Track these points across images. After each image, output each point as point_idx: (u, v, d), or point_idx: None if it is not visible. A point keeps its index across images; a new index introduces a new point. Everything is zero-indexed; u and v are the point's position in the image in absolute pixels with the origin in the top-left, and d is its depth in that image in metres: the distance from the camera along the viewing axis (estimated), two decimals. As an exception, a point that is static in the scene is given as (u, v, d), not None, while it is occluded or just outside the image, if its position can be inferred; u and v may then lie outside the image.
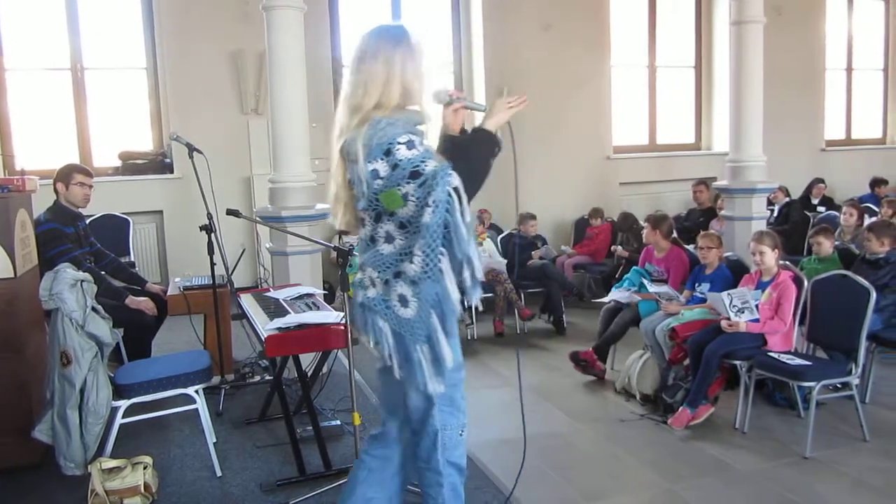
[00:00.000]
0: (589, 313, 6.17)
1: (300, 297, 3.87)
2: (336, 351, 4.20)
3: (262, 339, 3.19)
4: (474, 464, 3.41)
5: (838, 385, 3.96)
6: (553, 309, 6.24)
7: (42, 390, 3.42)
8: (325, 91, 6.77)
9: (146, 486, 3.14)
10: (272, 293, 4.03)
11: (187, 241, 6.27)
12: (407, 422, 2.36)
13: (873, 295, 3.78)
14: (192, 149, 4.53)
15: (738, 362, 4.01)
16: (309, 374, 3.91)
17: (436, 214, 1.99)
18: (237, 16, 6.77)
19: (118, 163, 6.91)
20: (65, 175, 4.40)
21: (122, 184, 6.72)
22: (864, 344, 3.81)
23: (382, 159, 2.05)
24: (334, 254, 2.94)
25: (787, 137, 8.61)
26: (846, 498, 3.24)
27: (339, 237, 6.01)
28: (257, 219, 5.08)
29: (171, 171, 6.92)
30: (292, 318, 3.30)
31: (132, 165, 6.89)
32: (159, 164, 6.99)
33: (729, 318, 4.02)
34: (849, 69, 9.97)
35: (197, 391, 3.44)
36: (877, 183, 8.72)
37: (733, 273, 4.56)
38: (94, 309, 3.29)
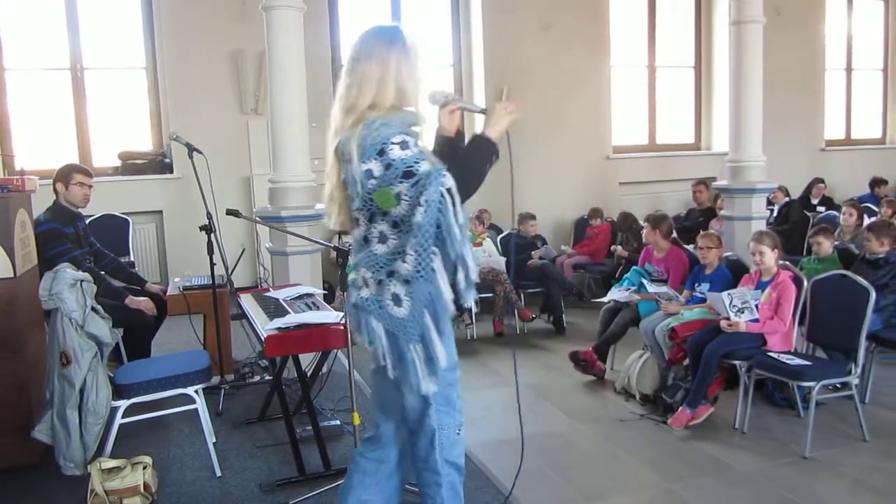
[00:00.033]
0: (589, 313, 6.17)
1: (300, 297, 3.87)
2: (336, 351, 4.20)
3: (262, 339, 3.19)
4: (474, 464, 3.42)
5: (838, 385, 3.96)
6: (553, 309, 6.24)
7: (41, 390, 3.42)
8: (325, 91, 6.77)
9: (146, 486, 3.14)
10: (272, 293, 4.03)
11: (187, 241, 6.27)
12: (403, 422, 2.36)
13: (873, 295, 3.78)
14: (191, 149, 4.53)
15: (737, 362, 4.01)
16: (308, 374, 3.91)
17: (428, 214, 1.99)
18: (237, 16, 6.76)
19: (118, 163, 6.91)
20: (64, 175, 4.40)
21: (121, 184, 6.72)
22: (863, 344, 3.81)
23: (376, 159, 2.05)
24: (334, 254, 2.94)
25: (786, 137, 8.61)
26: (846, 498, 3.24)
27: (339, 237, 6.01)
28: (257, 219, 5.08)
29: (171, 171, 6.92)
30: (292, 318, 3.30)
31: (132, 165, 6.89)
32: (159, 164, 6.99)
33: (728, 318, 4.02)
34: (848, 69, 9.97)
35: (196, 391, 3.44)
36: (876, 183, 8.72)
37: (733, 273, 4.56)
38: (93, 309, 3.29)
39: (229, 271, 4.59)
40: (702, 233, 4.87)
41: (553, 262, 6.82)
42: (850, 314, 3.84)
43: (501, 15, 7.64)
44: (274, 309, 3.63)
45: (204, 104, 6.85)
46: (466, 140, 2.28)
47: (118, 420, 3.30)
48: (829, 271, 4.20)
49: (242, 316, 3.89)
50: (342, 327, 3.12)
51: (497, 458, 3.52)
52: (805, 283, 4.10)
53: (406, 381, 2.17)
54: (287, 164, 4.83)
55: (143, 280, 4.83)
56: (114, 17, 6.90)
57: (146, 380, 3.36)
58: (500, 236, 7.02)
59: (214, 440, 3.66)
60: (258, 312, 3.62)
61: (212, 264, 4.40)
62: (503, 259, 6.36)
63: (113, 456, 3.24)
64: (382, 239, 2.13)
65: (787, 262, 4.38)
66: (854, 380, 3.80)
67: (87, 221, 4.75)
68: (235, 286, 4.76)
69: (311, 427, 3.46)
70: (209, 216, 4.40)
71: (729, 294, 4.10)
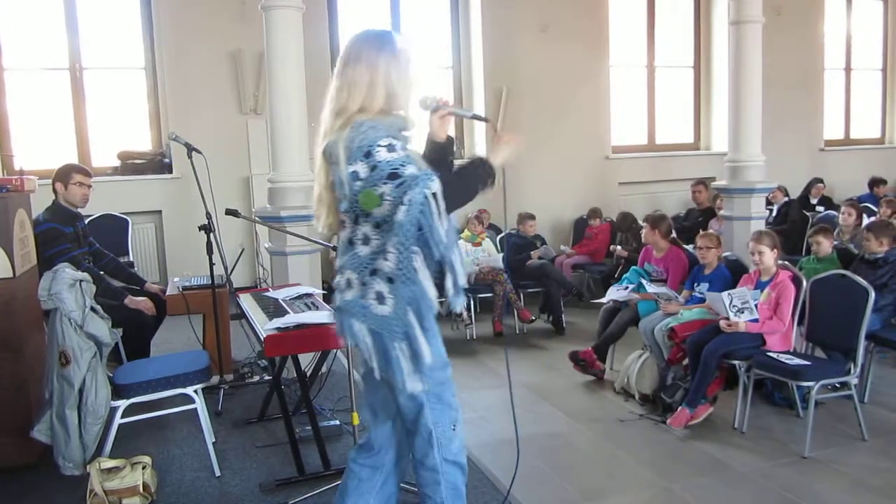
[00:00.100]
0: (588, 313, 6.17)
1: (299, 297, 3.87)
2: (335, 351, 4.20)
3: (262, 338, 3.18)
4: (473, 464, 3.41)
5: (837, 385, 3.97)
6: (552, 309, 6.24)
7: (41, 390, 3.42)
8: (324, 91, 6.76)
9: (145, 486, 3.13)
10: (271, 293, 4.02)
11: (186, 240, 6.27)
12: (399, 423, 2.36)
13: (872, 295, 3.78)
14: (190, 149, 4.52)
15: (736, 362, 4.02)
16: (308, 373, 3.91)
17: (409, 213, 2.00)
18: (236, 16, 6.76)
19: (117, 163, 6.90)
20: (63, 175, 4.39)
21: (120, 184, 6.71)
22: (862, 344, 3.81)
23: (362, 161, 2.06)
24: (333, 254, 2.95)
25: (785, 137, 8.62)
26: (845, 497, 3.24)
27: (339, 237, 6.01)
28: (256, 219, 5.08)
29: (170, 171, 6.91)
30: (291, 318, 3.29)
31: (131, 165, 6.88)
32: (158, 163, 6.98)
33: (728, 318, 4.02)
34: (847, 69, 9.97)
35: (196, 391, 3.43)
36: (875, 183, 8.72)
37: (732, 273, 4.56)
38: (92, 309, 3.29)
39: (229, 271, 4.59)
40: (701, 233, 4.87)
41: (552, 262, 6.83)
42: (850, 314, 3.85)
43: (500, 15, 7.64)
44: (273, 309, 3.63)
45: (203, 104, 6.84)
46: (457, 146, 2.29)
47: (117, 420, 3.30)
48: (828, 271, 4.20)
49: (242, 316, 3.88)
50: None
51: (496, 458, 3.52)
52: (804, 282, 4.10)
53: (393, 380, 2.17)
54: (286, 164, 4.83)
55: (142, 280, 4.83)
56: (113, 17, 6.89)
57: (145, 380, 3.35)
58: (500, 236, 7.02)
59: (214, 440, 3.66)
60: (257, 312, 3.62)
61: (211, 264, 4.40)
62: (500, 255, 6.38)
63: (112, 456, 3.24)
64: (366, 240, 2.14)
65: (786, 262, 4.38)
66: (853, 379, 3.80)
67: (87, 221, 4.75)
68: (235, 286, 4.76)
69: (310, 427, 3.46)
70: (208, 216, 4.40)
71: (729, 294, 4.10)
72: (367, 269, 2.13)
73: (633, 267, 5.19)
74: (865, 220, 5.94)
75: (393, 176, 2.02)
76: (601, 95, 8.29)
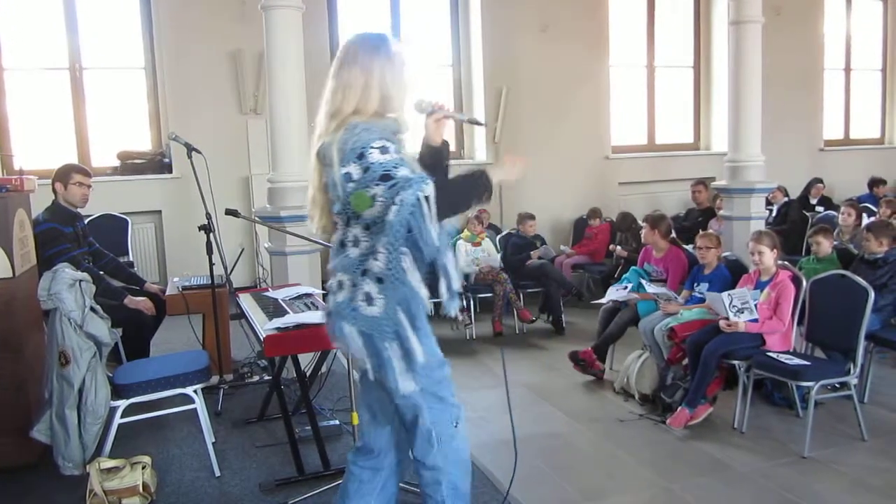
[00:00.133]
0: (588, 313, 6.17)
1: (299, 297, 3.86)
2: (335, 351, 4.20)
3: (261, 338, 3.18)
4: (472, 464, 3.40)
5: (837, 385, 3.97)
6: (552, 309, 6.24)
7: (40, 390, 3.42)
8: (323, 91, 6.76)
9: (145, 485, 3.13)
10: (271, 293, 4.02)
11: (186, 240, 6.27)
12: (398, 424, 2.36)
13: (872, 295, 3.78)
14: (190, 149, 4.52)
15: (736, 362, 4.02)
16: (308, 373, 3.91)
17: (399, 214, 2.00)
18: (236, 16, 6.76)
19: (117, 162, 6.90)
20: (63, 175, 4.39)
21: (120, 184, 6.71)
22: (862, 344, 3.82)
23: (356, 162, 2.07)
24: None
25: (785, 137, 8.62)
26: (844, 497, 3.24)
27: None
28: (256, 219, 5.08)
29: (170, 171, 6.91)
30: (291, 318, 3.29)
31: (131, 165, 6.88)
32: (158, 163, 6.98)
33: (727, 318, 4.02)
34: (847, 69, 9.97)
35: (196, 391, 3.43)
36: (875, 183, 8.73)
37: (732, 273, 4.56)
38: (92, 309, 3.29)
39: (228, 271, 4.59)
40: (701, 233, 4.87)
41: (552, 262, 6.83)
42: (849, 314, 3.85)
43: (500, 15, 7.64)
44: (273, 309, 3.63)
45: (203, 104, 6.84)
46: (456, 148, 2.30)
47: (117, 420, 3.30)
48: (827, 271, 4.20)
49: (241, 316, 3.88)
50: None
51: (496, 458, 3.52)
52: (804, 282, 4.10)
53: (386, 381, 2.17)
54: (286, 163, 4.83)
55: (142, 280, 4.83)
56: (113, 16, 6.89)
57: (145, 380, 3.35)
58: (500, 236, 7.03)
59: (213, 440, 3.66)
60: (257, 312, 3.62)
61: (211, 264, 4.40)
62: (499, 254, 6.40)
63: (112, 456, 3.24)
64: (356, 242, 2.15)
65: (785, 262, 4.38)
66: (853, 379, 3.81)
67: (86, 221, 4.75)
68: (234, 286, 4.76)
69: (310, 427, 3.46)
70: (208, 216, 4.40)
71: (729, 294, 4.10)
72: (357, 271, 2.14)
73: (633, 267, 5.19)
74: (865, 221, 5.95)
75: (385, 177, 2.03)
76: (601, 95, 8.29)
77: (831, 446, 3.72)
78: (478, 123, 2.55)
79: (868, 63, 10.10)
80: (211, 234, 4.38)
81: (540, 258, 6.62)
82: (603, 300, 5.06)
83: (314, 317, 3.32)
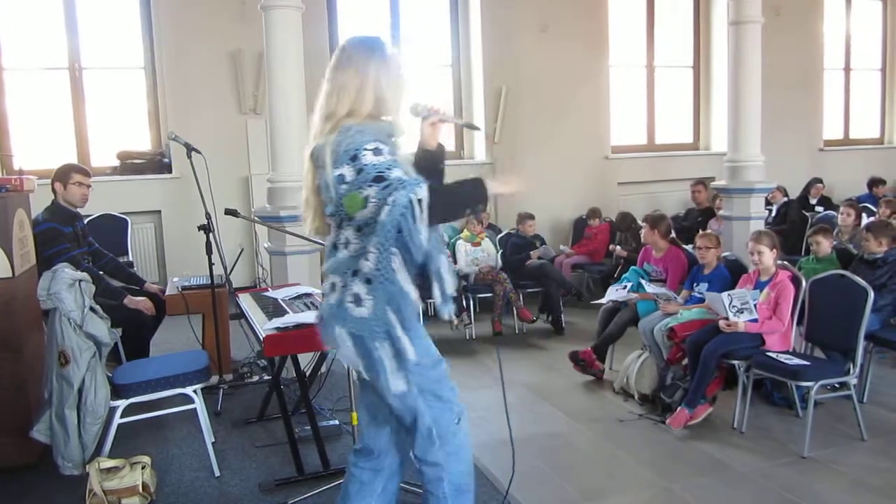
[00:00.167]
0: (587, 313, 6.17)
1: (298, 296, 3.86)
2: (334, 351, 4.20)
3: (261, 338, 3.18)
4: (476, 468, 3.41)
5: (836, 385, 3.97)
6: (551, 309, 6.24)
7: (40, 390, 3.42)
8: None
9: (144, 485, 3.13)
10: (270, 293, 4.02)
11: (186, 240, 6.27)
12: (398, 425, 2.36)
13: (871, 295, 3.78)
14: (190, 148, 4.52)
15: (736, 362, 4.02)
16: (307, 373, 3.91)
17: (391, 214, 2.01)
18: (236, 16, 6.76)
19: (116, 162, 6.90)
20: (63, 175, 4.39)
21: (120, 183, 6.71)
22: (861, 344, 3.82)
23: (349, 164, 2.07)
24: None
25: (785, 137, 8.62)
26: (844, 497, 3.24)
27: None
28: (256, 218, 5.08)
29: (170, 171, 6.91)
30: (291, 318, 3.29)
31: (130, 165, 6.88)
32: (157, 163, 6.98)
33: (727, 318, 4.02)
34: (847, 69, 9.97)
35: (195, 391, 3.43)
36: (875, 183, 8.73)
37: (731, 273, 4.56)
38: (92, 309, 3.28)
39: (228, 271, 4.59)
40: (700, 233, 4.87)
41: (552, 262, 6.82)
42: (849, 314, 3.85)
43: (500, 14, 7.64)
44: (272, 309, 3.63)
45: (203, 104, 6.84)
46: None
47: (117, 420, 3.30)
48: (827, 271, 4.20)
49: (241, 316, 3.88)
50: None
51: (496, 458, 3.52)
52: (803, 282, 4.10)
53: (377, 382, 2.18)
54: (285, 163, 4.83)
55: (141, 280, 4.83)
56: (112, 16, 6.89)
57: (145, 380, 3.36)
58: (499, 236, 7.03)
59: (213, 440, 3.66)
60: (257, 312, 3.62)
61: (210, 264, 4.40)
62: (498, 254, 6.41)
63: (111, 456, 3.24)
64: (347, 244, 2.16)
65: (785, 262, 4.38)
66: (852, 379, 3.81)
67: (86, 221, 4.75)
68: (234, 286, 4.76)
69: (309, 427, 3.46)
70: (208, 216, 4.40)
71: (729, 295, 4.10)
72: (348, 272, 2.15)
73: (633, 267, 5.19)
74: (864, 221, 5.95)
75: (378, 179, 2.03)
76: (601, 95, 8.29)
77: (831, 446, 3.72)
78: (474, 128, 2.56)
79: (867, 63, 10.11)
80: (210, 234, 4.38)
81: (539, 258, 6.62)
82: (602, 300, 5.06)
83: (314, 317, 3.32)
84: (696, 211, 7.70)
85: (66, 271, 3.23)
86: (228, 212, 4.37)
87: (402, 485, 2.62)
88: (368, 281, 2.11)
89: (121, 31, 6.93)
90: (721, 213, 6.62)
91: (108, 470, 3.13)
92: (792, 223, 7.28)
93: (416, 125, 2.32)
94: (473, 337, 6.02)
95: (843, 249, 5.17)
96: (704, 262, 4.63)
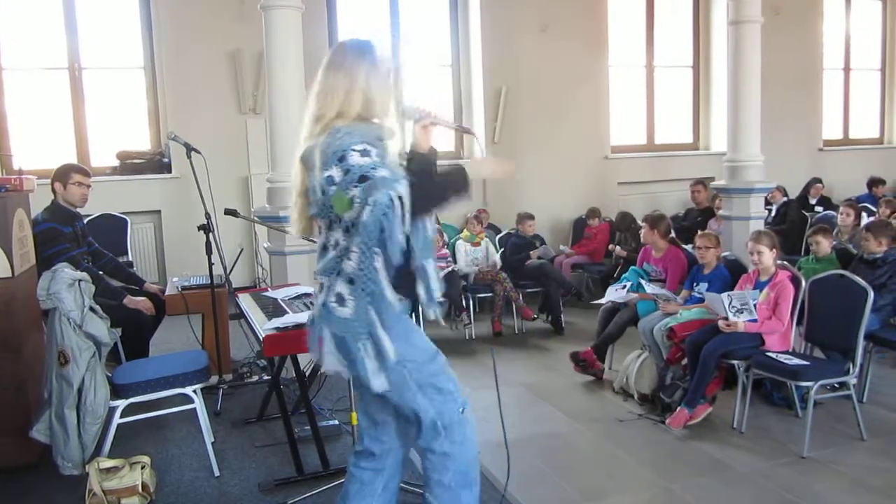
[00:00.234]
0: (587, 313, 6.17)
1: (298, 296, 3.86)
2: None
3: (261, 338, 3.18)
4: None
5: (836, 385, 3.97)
6: (551, 308, 6.24)
7: (40, 390, 3.42)
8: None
9: (144, 485, 3.13)
10: (270, 293, 4.02)
11: (185, 240, 6.26)
12: (401, 421, 2.37)
13: (871, 295, 3.78)
14: (190, 148, 4.52)
15: (735, 362, 4.02)
16: (307, 373, 3.91)
17: (373, 214, 2.02)
18: (235, 15, 6.75)
19: (116, 162, 6.89)
20: (62, 175, 4.39)
21: (119, 183, 6.71)
22: (861, 344, 3.82)
23: (336, 165, 2.08)
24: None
25: (784, 137, 8.62)
26: (844, 497, 3.24)
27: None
28: (255, 218, 5.08)
29: (169, 171, 6.91)
30: (290, 318, 3.29)
31: (130, 165, 6.88)
32: (157, 163, 6.98)
33: (727, 318, 4.02)
34: (846, 69, 9.97)
35: (195, 391, 3.43)
36: (874, 183, 8.73)
37: (731, 273, 4.56)
38: (91, 308, 3.28)
39: (228, 271, 4.58)
40: (700, 233, 4.87)
41: (551, 262, 6.83)
42: (848, 314, 3.85)
43: (500, 14, 7.64)
44: (272, 309, 3.63)
45: (202, 104, 6.84)
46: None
47: (116, 420, 3.30)
48: (827, 271, 4.20)
49: (241, 316, 3.88)
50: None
51: (495, 457, 3.51)
52: (803, 282, 4.10)
53: (361, 381, 2.20)
54: (285, 163, 4.81)
55: (141, 280, 4.83)
56: (112, 16, 6.89)
57: (144, 379, 3.35)
58: (499, 236, 7.03)
59: (213, 440, 3.66)
60: (256, 312, 3.62)
61: (210, 264, 4.40)
62: (497, 251, 6.42)
63: (111, 456, 3.24)
64: (336, 245, 2.18)
65: (785, 262, 4.38)
66: (852, 379, 3.81)
67: (86, 221, 4.75)
68: (234, 286, 4.76)
69: (309, 427, 3.46)
70: (207, 216, 4.39)
71: (729, 295, 4.10)
72: (334, 272, 2.17)
73: (632, 267, 5.19)
74: (864, 220, 5.95)
75: (363, 179, 2.05)
76: (600, 95, 8.29)
77: (831, 446, 3.72)
78: (468, 132, 2.55)
79: (867, 63, 10.11)
80: (210, 234, 4.38)
81: (539, 258, 6.62)
82: (602, 300, 5.06)
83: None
84: (696, 211, 7.70)
85: (65, 271, 3.23)
86: (228, 212, 4.37)
87: (402, 484, 2.62)
88: (351, 281, 2.13)
89: (120, 30, 6.92)
90: (721, 212, 6.62)
91: (108, 470, 3.13)
92: (791, 223, 7.28)
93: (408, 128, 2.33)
94: (473, 337, 6.02)
95: (843, 249, 5.17)
96: (704, 261, 4.63)
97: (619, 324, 4.82)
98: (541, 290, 6.41)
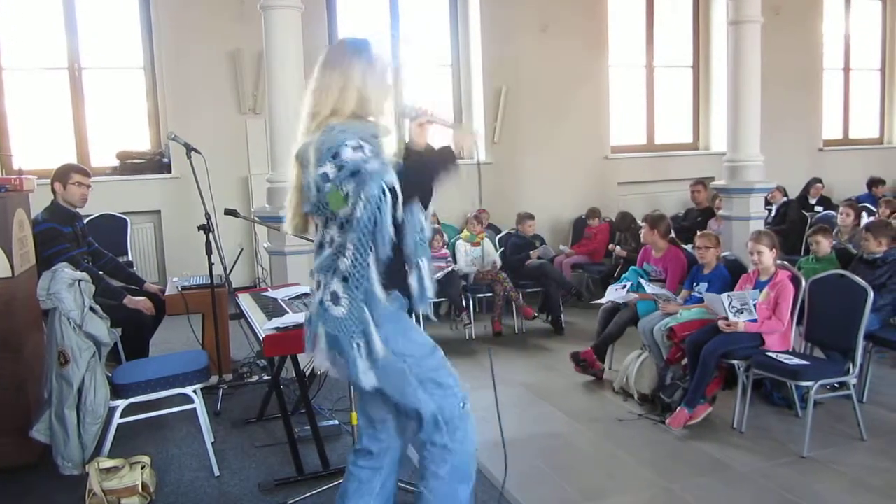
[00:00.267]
0: (587, 313, 6.17)
1: (298, 296, 3.86)
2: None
3: (261, 338, 3.18)
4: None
5: (836, 385, 3.97)
6: (551, 308, 6.24)
7: (40, 390, 3.42)
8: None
9: (144, 485, 3.13)
10: (270, 293, 4.02)
11: (185, 240, 6.27)
12: (399, 422, 2.38)
13: (871, 294, 3.78)
14: (189, 148, 4.52)
15: (735, 362, 4.01)
16: (307, 373, 3.91)
17: (367, 209, 2.04)
18: (235, 16, 6.76)
19: (116, 162, 6.90)
20: (62, 175, 4.39)
21: (119, 183, 6.71)
22: (861, 343, 3.82)
23: (331, 162, 2.09)
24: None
25: (784, 137, 8.62)
26: (844, 497, 3.24)
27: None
28: (255, 218, 5.08)
29: (169, 171, 6.91)
30: (290, 318, 3.29)
31: (130, 165, 6.88)
32: (157, 163, 6.98)
33: (727, 318, 4.02)
34: (846, 69, 9.98)
35: (195, 391, 3.43)
36: (874, 182, 8.73)
37: (731, 273, 4.56)
38: (91, 308, 3.28)
39: (228, 271, 4.59)
40: (700, 232, 4.87)
41: (551, 262, 6.83)
42: (848, 314, 3.85)
43: (500, 14, 7.64)
44: (272, 309, 3.63)
45: (202, 104, 6.84)
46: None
47: (116, 420, 3.30)
48: (826, 271, 4.20)
49: (241, 316, 3.88)
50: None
51: (495, 457, 3.51)
52: (803, 282, 4.10)
53: (351, 379, 2.21)
54: (285, 163, 4.75)
55: (141, 280, 4.83)
56: (112, 16, 6.89)
57: (144, 379, 3.35)
58: (499, 236, 7.03)
59: (213, 440, 3.66)
60: (256, 312, 3.62)
61: (210, 264, 4.40)
62: (498, 250, 6.43)
63: (111, 456, 3.24)
64: (331, 242, 2.19)
65: (785, 262, 4.38)
66: (852, 379, 3.81)
67: (86, 221, 4.75)
68: (234, 286, 4.76)
69: (309, 427, 3.46)
70: (207, 216, 4.40)
71: (729, 296, 4.10)
72: (330, 270, 2.18)
73: (632, 267, 5.19)
74: (864, 220, 5.95)
75: (355, 173, 2.06)
76: (600, 95, 8.30)
77: (830, 446, 3.72)
78: (465, 130, 2.55)
79: (867, 63, 10.11)
80: (210, 234, 4.38)
81: (539, 258, 6.62)
82: (602, 300, 5.06)
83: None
84: (696, 211, 7.70)
85: (65, 271, 3.23)
86: (228, 212, 4.37)
87: (400, 484, 2.63)
88: (345, 279, 2.14)
89: (120, 31, 6.93)
90: (721, 212, 6.62)
91: (108, 470, 3.13)
92: (791, 223, 7.28)
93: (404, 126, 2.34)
94: (473, 337, 6.01)
95: (843, 249, 5.17)
96: (704, 261, 4.63)
97: (619, 324, 4.82)
98: (541, 290, 6.41)
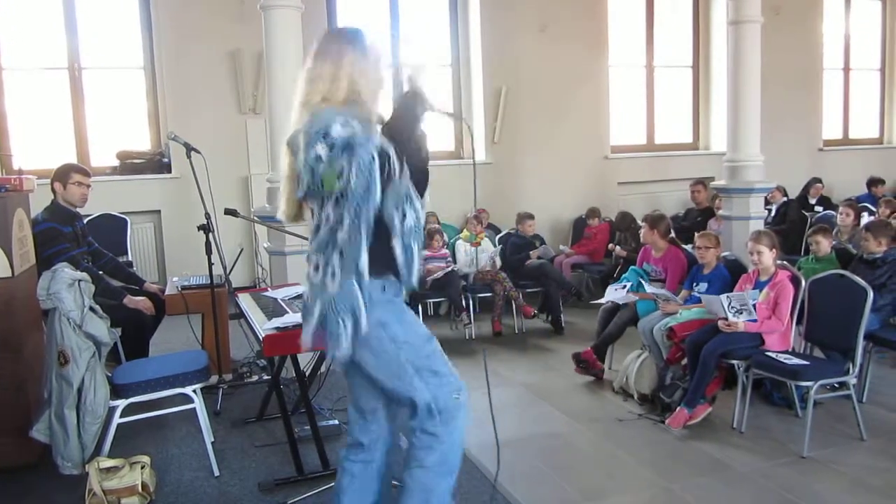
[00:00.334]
0: (587, 313, 6.17)
1: (298, 296, 3.85)
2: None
3: (260, 338, 3.19)
4: (471, 463, 3.41)
5: (836, 384, 3.97)
6: (551, 308, 6.24)
7: (39, 390, 3.42)
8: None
9: (144, 485, 3.13)
10: (270, 293, 4.03)
11: (185, 240, 6.26)
12: (390, 412, 2.40)
13: (870, 294, 3.78)
14: (189, 148, 4.52)
15: (735, 362, 4.01)
16: (307, 373, 3.91)
17: (360, 177, 2.05)
18: (235, 15, 6.76)
19: (116, 162, 6.90)
20: (62, 174, 4.39)
21: (119, 183, 6.71)
22: (861, 343, 3.82)
23: (321, 142, 2.08)
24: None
25: (784, 137, 8.62)
26: (844, 497, 3.24)
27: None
28: (255, 218, 5.08)
29: (169, 171, 6.91)
30: (290, 318, 3.29)
31: (130, 165, 6.88)
32: (157, 163, 6.98)
33: (726, 318, 4.02)
34: (846, 69, 9.98)
35: (195, 391, 3.43)
36: (874, 182, 8.73)
37: (731, 273, 4.56)
38: (91, 308, 3.28)
39: (227, 271, 4.59)
40: (700, 232, 4.87)
41: (551, 262, 6.83)
42: (848, 314, 3.85)
43: (500, 14, 7.64)
44: (272, 308, 3.63)
45: (202, 104, 6.84)
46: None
47: (116, 419, 3.30)
48: (826, 271, 4.20)
49: (241, 315, 3.88)
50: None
51: (494, 456, 3.51)
52: (803, 282, 4.10)
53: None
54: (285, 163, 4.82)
55: (141, 280, 4.83)
56: (112, 16, 6.89)
57: (144, 379, 3.36)
58: (499, 236, 7.03)
59: (213, 440, 3.66)
60: (256, 312, 3.62)
61: (210, 264, 4.40)
62: (497, 248, 6.43)
63: (111, 455, 3.24)
64: (328, 219, 2.17)
65: (784, 262, 4.38)
66: (852, 379, 3.81)
67: (86, 221, 4.75)
68: (234, 286, 4.76)
69: (309, 427, 3.46)
70: (207, 216, 4.40)
71: (728, 296, 4.09)
72: (329, 245, 2.17)
73: (632, 267, 5.19)
74: (864, 220, 5.95)
75: (346, 148, 2.06)
76: (600, 95, 8.30)
77: (830, 446, 3.72)
78: (455, 118, 2.54)
79: (867, 63, 10.11)
80: (210, 234, 4.38)
81: (539, 258, 6.62)
82: (602, 300, 5.06)
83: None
84: (696, 211, 7.70)
85: (65, 271, 3.23)
86: (228, 212, 4.37)
87: (396, 483, 2.62)
88: (341, 253, 2.14)
89: (120, 31, 6.92)
90: (720, 212, 6.62)
91: (108, 470, 3.13)
92: (791, 223, 7.28)
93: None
94: (473, 337, 6.01)
95: (843, 249, 5.17)
96: (704, 261, 4.63)
97: (619, 324, 4.82)
98: (541, 289, 6.41)
